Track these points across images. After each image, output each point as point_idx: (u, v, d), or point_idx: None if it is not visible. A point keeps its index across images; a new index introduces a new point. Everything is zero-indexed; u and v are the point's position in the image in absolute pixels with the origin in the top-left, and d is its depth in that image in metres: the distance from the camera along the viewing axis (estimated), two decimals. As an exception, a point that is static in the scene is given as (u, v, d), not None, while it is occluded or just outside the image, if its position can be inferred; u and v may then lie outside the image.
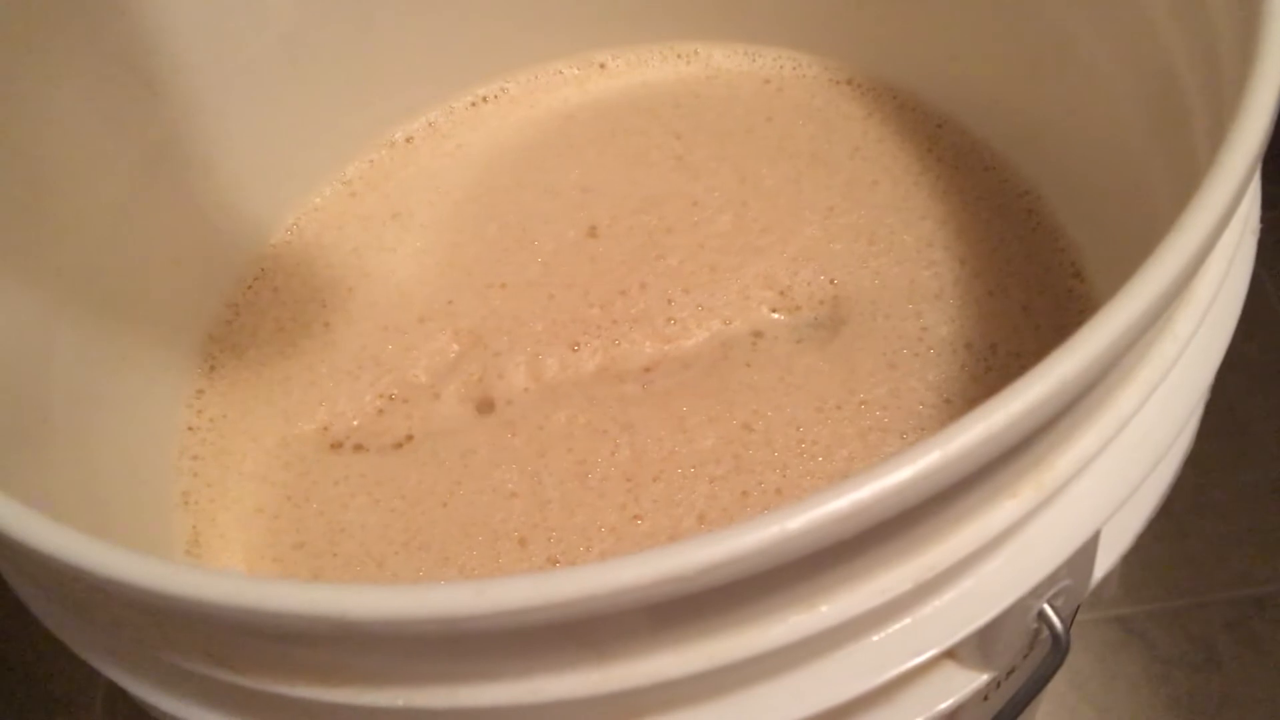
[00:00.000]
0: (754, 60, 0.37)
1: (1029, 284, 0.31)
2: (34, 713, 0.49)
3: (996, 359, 0.30)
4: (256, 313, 0.34)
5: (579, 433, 0.29)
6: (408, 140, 0.37)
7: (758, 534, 0.15)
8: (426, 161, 0.37)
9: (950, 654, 0.20)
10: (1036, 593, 0.19)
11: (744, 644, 0.16)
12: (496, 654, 0.16)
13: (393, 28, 0.36)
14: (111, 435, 0.29)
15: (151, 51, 0.31)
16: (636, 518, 0.28)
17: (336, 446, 0.31)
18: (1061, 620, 0.20)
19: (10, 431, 0.25)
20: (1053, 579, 0.19)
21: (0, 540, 0.17)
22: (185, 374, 0.33)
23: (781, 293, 0.32)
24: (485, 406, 0.31)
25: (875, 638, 0.18)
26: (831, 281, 0.32)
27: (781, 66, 0.37)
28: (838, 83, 0.36)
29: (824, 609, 0.17)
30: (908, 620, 0.18)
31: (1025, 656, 0.23)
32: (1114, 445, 0.18)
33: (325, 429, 0.31)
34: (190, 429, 0.32)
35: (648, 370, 0.31)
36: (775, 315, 0.31)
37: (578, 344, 0.31)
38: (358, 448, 0.31)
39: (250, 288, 0.34)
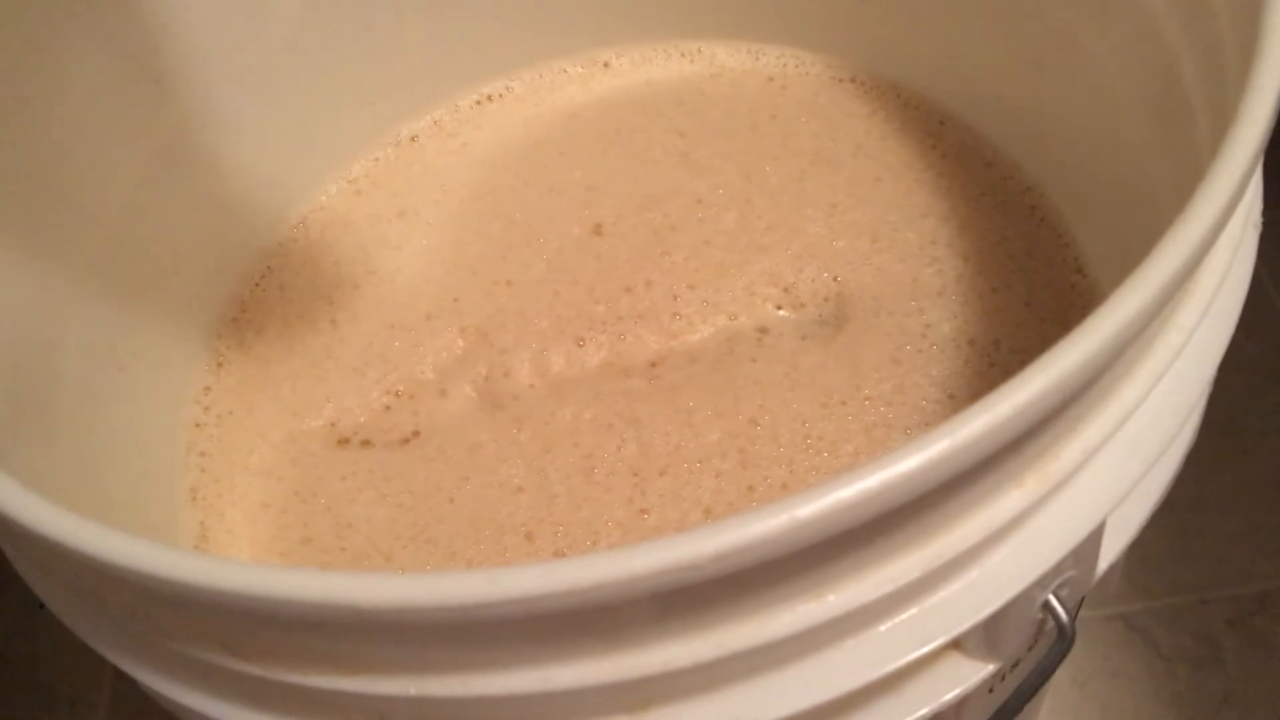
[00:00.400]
0: (757, 58, 0.38)
1: (1032, 280, 0.31)
2: (39, 712, 0.49)
3: (1000, 355, 0.30)
4: (263, 310, 0.34)
5: (585, 428, 0.30)
6: (413, 139, 0.38)
7: (767, 522, 0.15)
8: (432, 160, 0.37)
9: (956, 645, 0.20)
10: (1042, 583, 0.19)
11: (753, 632, 0.17)
12: (508, 643, 0.17)
13: (398, 27, 0.36)
14: (119, 431, 0.29)
15: (159, 50, 0.31)
16: (643, 512, 0.28)
17: (343, 442, 0.31)
18: (1067, 611, 0.20)
19: (19, 426, 0.25)
20: (1058, 569, 0.19)
21: (17, 531, 0.17)
22: (192, 370, 0.33)
23: (786, 289, 0.32)
24: (492, 402, 0.31)
25: (882, 627, 0.18)
26: (835, 278, 0.32)
27: (785, 65, 0.37)
28: (841, 80, 0.37)
29: (831, 598, 0.17)
30: (914, 610, 0.18)
31: (1030, 649, 0.23)
32: (1118, 436, 0.18)
33: (332, 425, 0.32)
34: (198, 425, 0.32)
35: (654, 365, 0.31)
36: (780, 312, 0.31)
37: (583, 340, 0.32)
38: (365, 444, 0.31)
39: (257, 285, 0.35)
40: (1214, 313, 0.19)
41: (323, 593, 0.15)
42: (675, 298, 0.32)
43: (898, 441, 0.28)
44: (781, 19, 0.37)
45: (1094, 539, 0.19)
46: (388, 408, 0.32)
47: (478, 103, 0.38)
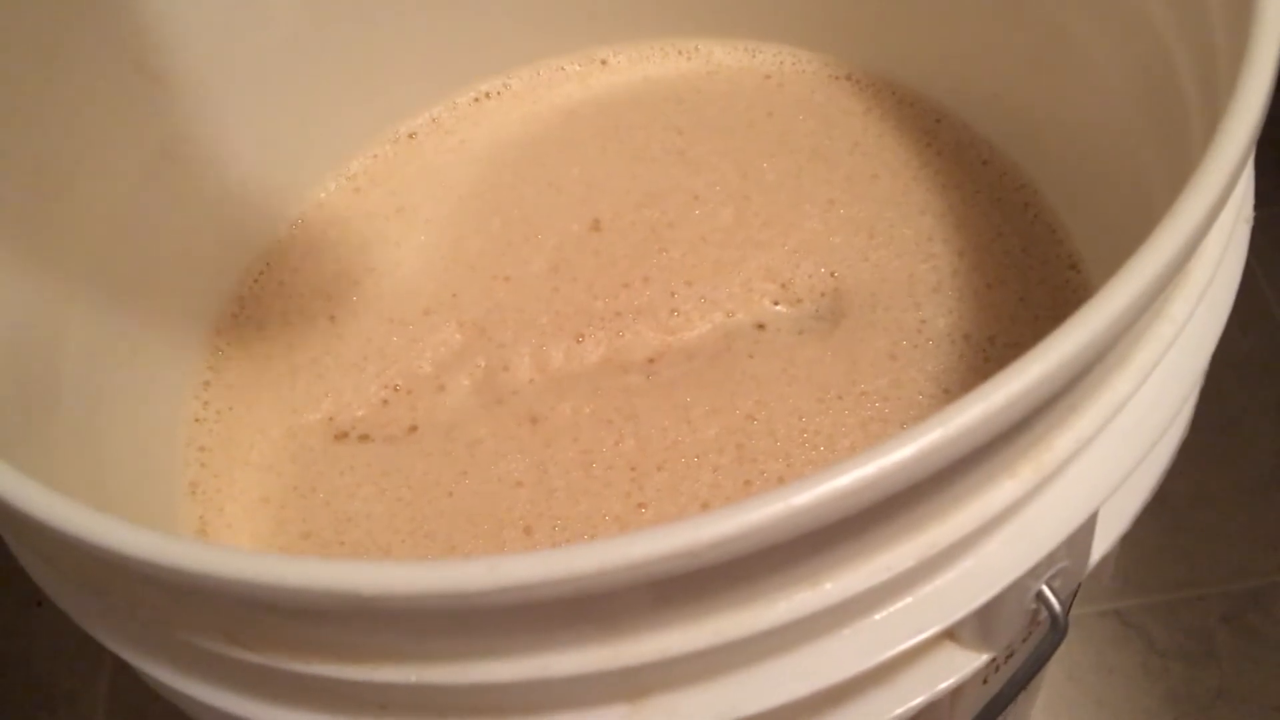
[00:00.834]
0: (754, 56, 0.38)
1: (1027, 276, 0.31)
2: (36, 710, 0.49)
3: (995, 350, 0.30)
4: (263, 306, 0.34)
5: (584, 423, 0.30)
6: (411, 136, 0.38)
7: (764, 510, 0.15)
8: (430, 157, 0.37)
9: (950, 634, 0.20)
10: (1035, 573, 0.19)
11: (750, 620, 0.17)
12: (507, 631, 0.17)
13: (396, 24, 0.36)
14: (119, 426, 0.29)
15: (159, 47, 0.31)
16: (641, 506, 0.28)
17: (342, 437, 0.31)
18: (1060, 601, 0.20)
19: (20, 421, 0.25)
20: (1051, 559, 0.19)
21: (23, 522, 0.17)
22: (192, 365, 0.33)
23: (783, 285, 0.32)
24: (490, 397, 0.31)
25: (877, 616, 0.18)
26: (832, 274, 0.32)
27: (782, 62, 0.37)
28: (837, 78, 0.37)
29: (828, 586, 0.17)
30: (909, 599, 0.18)
31: (1024, 640, 0.24)
32: (1111, 427, 0.18)
33: (331, 420, 0.32)
34: (197, 420, 0.32)
35: (652, 361, 0.31)
36: (777, 307, 0.32)
37: (582, 335, 0.32)
38: (364, 438, 0.31)
39: (256, 281, 0.35)
40: (1206, 305, 0.19)
41: (325, 580, 0.15)
42: (673, 294, 0.32)
43: (894, 436, 0.28)
44: (778, 17, 0.37)
45: (1087, 529, 0.19)
46: (386, 402, 0.32)
47: (476, 100, 0.38)
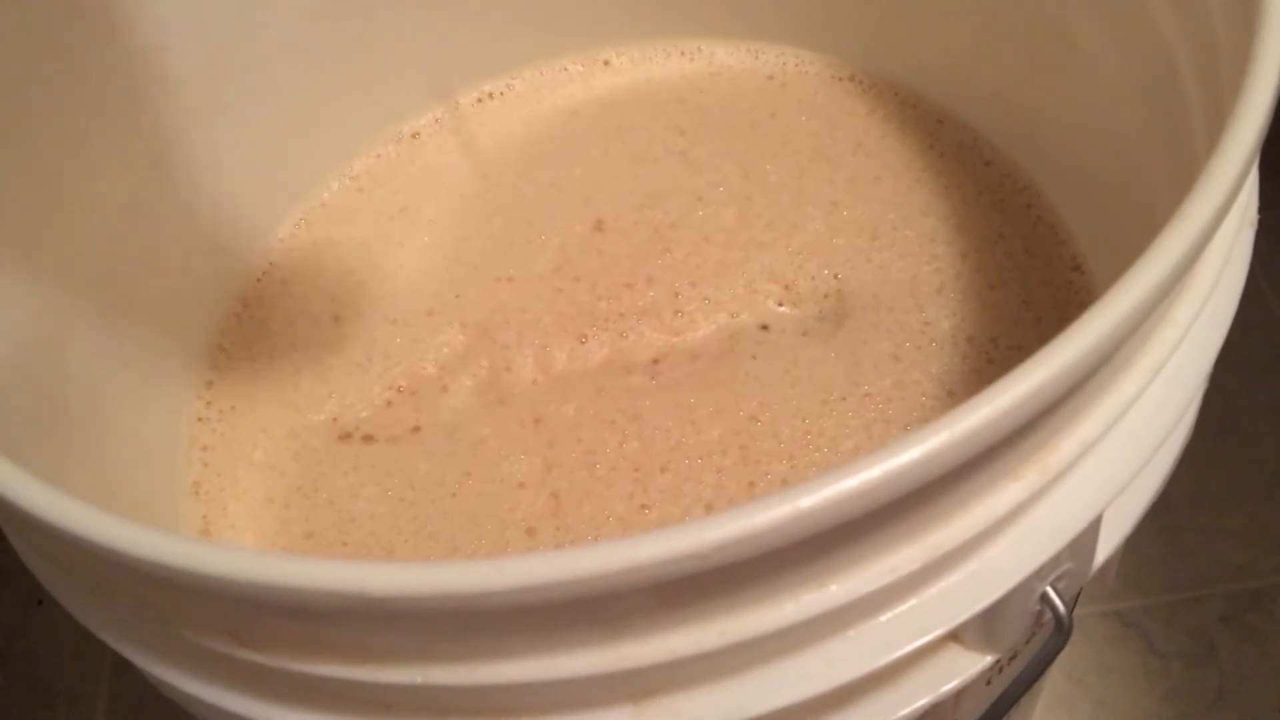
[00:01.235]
0: (757, 57, 0.38)
1: (1029, 278, 0.31)
2: (37, 708, 0.49)
3: (998, 352, 0.30)
4: (265, 306, 0.34)
5: (587, 424, 0.30)
6: (414, 136, 0.38)
7: (771, 512, 0.15)
8: (433, 157, 0.37)
9: (954, 636, 0.20)
10: (1040, 575, 0.19)
11: (756, 622, 0.17)
12: (512, 632, 0.17)
13: (398, 24, 0.36)
14: (123, 425, 0.29)
15: (161, 48, 0.31)
16: (644, 507, 0.28)
17: (345, 437, 0.31)
18: (1064, 603, 0.20)
19: (26, 421, 0.25)
20: (1056, 561, 0.19)
21: (28, 521, 0.17)
22: (195, 365, 0.33)
23: (786, 286, 0.32)
24: (494, 398, 0.31)
25: (882, 618, 0.18)
26: (835, 276, 0.32)
27: (784, 63, 0.37)
28: (840, 79, 0.37)
29: (833, 588, 0.17)
30: (914, 601, 0.18)
31: (1027, 642, 0.24)
32: (1116, 430, 0.18)
33: (334, 420, 0.32)
34: (200, 420, 0.32)
35: (655, 362, 0.31)
36: (780, 308, 0.32)
37: (585, 336, 0.32)
38: (367, 439, 0.31)
39: (259, 281, 0.35)
40: (1210, 308, 0.19)
41: (331, 580, 0.15)
42: (676, 295, 0.32)
43: (898, 437, 0.28)
44: (781, 18, 0.37)
45: (1091, 531, 0.20)
46: (389, 403, 0.32)
47: (479, 100, 0.38)
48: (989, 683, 0.24)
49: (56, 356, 0.27)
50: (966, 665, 0.21)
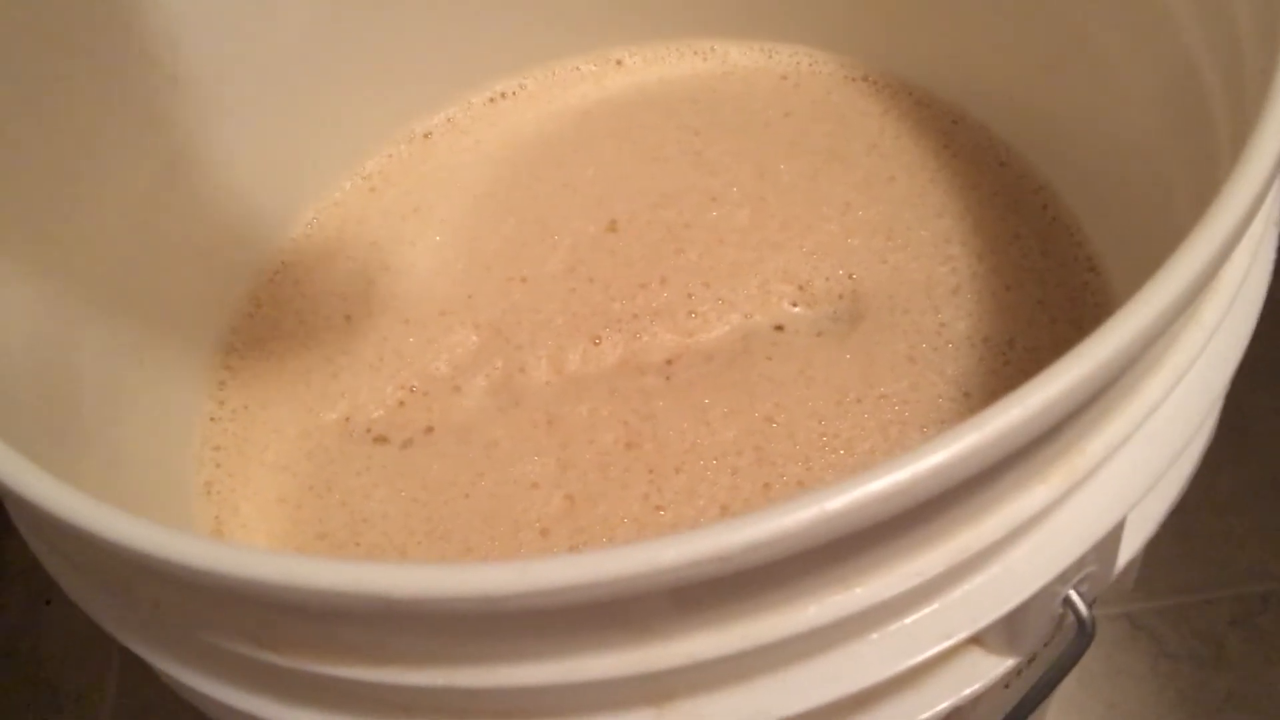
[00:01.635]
0: (770, 57, 0.38)
1: (1045, 279, 0.31)
2: (45, 707, 0.49)
3: (1014, 353, 0.30)
4: (278, 305, 0.34)
5: (601, 424, 0.30)
6: (426, 136, 0.38)
7: (798, 514, 0.15)
8: (445, 157, 0.37)
9: (977, 639, 0.20)
10: (1063, 578, 0.19)
11: (781, 624, 0.17)
12: (534, 634, 0.17)
13: (411, 24, 0.36)
14: (136, 424, 0.29)
15: (175, 47, 0.31)
16: (659, 508, 0.28)
17: (358, 438, 0.31)
18: (1087, 607, 0.20)
19: (40, 420, 0.25)
20: (1079, 564, 0.19)
21: (46, 521, 0.17)
22: (208, 365, 0.33)
23: (801, 287, 0.32)
24: (507, 399, 0.31)
25: (906, 621, 0.18)
26: (850, 276, 0.32)
27: (798, 63, 0.37)
28: (854, 79, 0.37)
29: (858, 590, 0.17)
30: (937, 604, 0.18)
31: (1046, 644, 0.23)
32: (1142, 432, 0.18)
33: (347, 420, 0.32)
34: (213, 419, 0.32)
35: (669, 363, 0.31)
36: (795, 309, 0.32)
37: (599, 337, 0.32)
38: (379, 439, 0.31)
39: (271, 281, 0.35)
40: (1237, 310, 0.19)
41: (356, 583, 0.15)
42: (690, 295, 0.32)
43: (914, 439, 0.28)
44: (794, 18, 0.37)
45: (1115, 534, 0.19)
46: (402, 403, 0.32)
47: (491, 100, 0.38)
48: (1007, 686, 0.24)
49: (70, 356, 0.27)
50: (988, 668, 0.20)
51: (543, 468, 0.29)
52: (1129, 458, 0.19)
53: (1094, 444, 0.17)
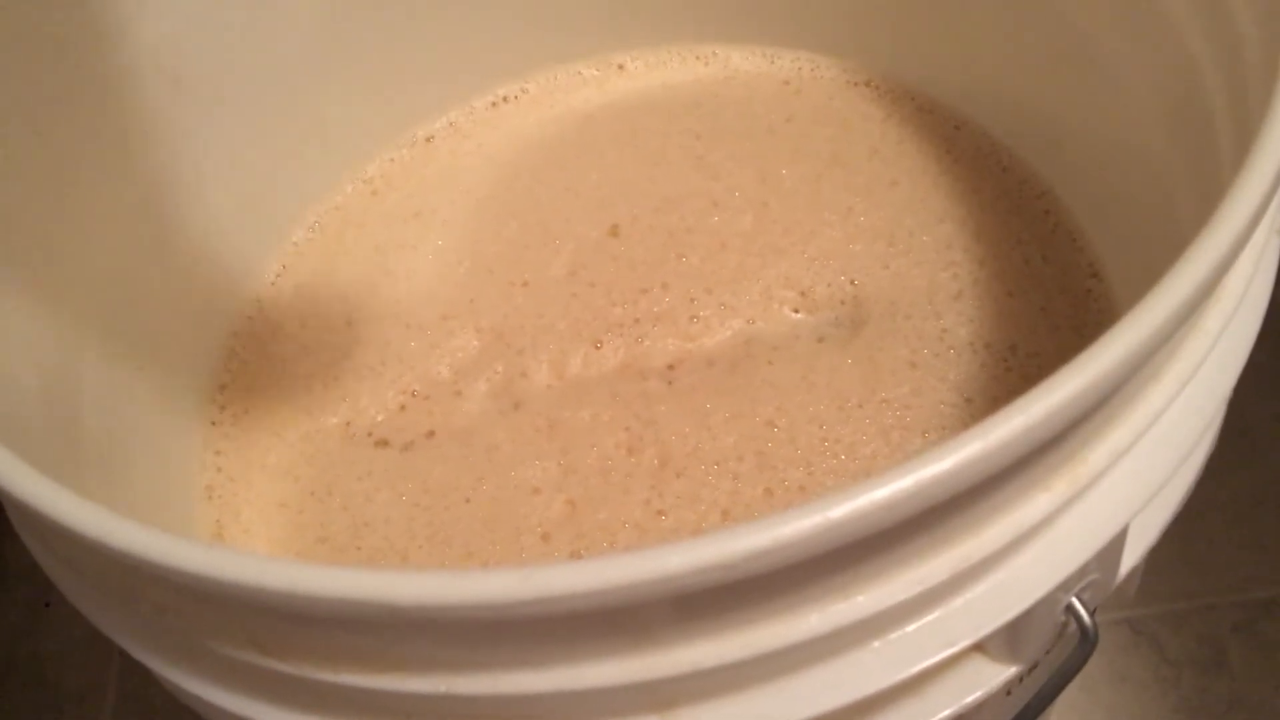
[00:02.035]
0: (772, 62, 0.38)
1: (1047, 285, 0.31)
2: (44, 710, 0.49)
3: (1016, 359, 0.30)
4: (279, 309, 0.34)
5: (602, 429, 0.30)
6: (428, 139, 0.38)
7: (801, 522, 0.15)
8: (447, 160, 0.37)
9: (979, 647, 0.20)
10: (1066, 586, 0.19)
11: (781, 632, 0.17)
12: (536, 641, 0.17)
13: (413, 28, 0.36)
14: (137, 429, 0.29)
15: (178, 51, 0.31)
16: (660, 513, 0.28)
17: (359, 442, 0.31)
18: (1089, 614, 0.20)
19: (41, 425, 0.25)
20: (1082, 572, 0.19)
21: (47, 525, 0.17)
22: (208, 369, 0.33)
23: (803, 292, 0.32)
24: (508, 403, 0.31)
25: (908, 629, 0.18)
26: (852, 282, 0.32)
27: (800, 68, 0.37)
28: (856, 84, 0.37)
29: (860, 598, 0.17)
30: (940, 612, 0.18)
31: (1049, 651, 0.23)
32: (1144, 440, 0.18)
33: (348, 424, 0.32)
34: (213, 423, 0.32)
35: (671, 368, 0.31)
36: (797, 314, 0.32)
37: (601, 341, 0.32)
38: (381, 443, 0.31)
39: (273, 284, 0.35)
40: (1239, 317, 0.19)
41: (357, 590, 0.15)
42: (692, 300, 0.32)
43: (916, 445, 0.28)
44: (796, 23, 0.37)
45: (1118, 542, 0.19)
46: (403, 407, 0.32)
47: (493, 104, 0.38)
48: (1009, 693, 0.24)
49: (72, 360, 0.27)
50: (991, 676, 0.20)
51: (544, 472, 0.29)
52: (1132, 465, 0.19)
53: (1097, 452, 0.17)
